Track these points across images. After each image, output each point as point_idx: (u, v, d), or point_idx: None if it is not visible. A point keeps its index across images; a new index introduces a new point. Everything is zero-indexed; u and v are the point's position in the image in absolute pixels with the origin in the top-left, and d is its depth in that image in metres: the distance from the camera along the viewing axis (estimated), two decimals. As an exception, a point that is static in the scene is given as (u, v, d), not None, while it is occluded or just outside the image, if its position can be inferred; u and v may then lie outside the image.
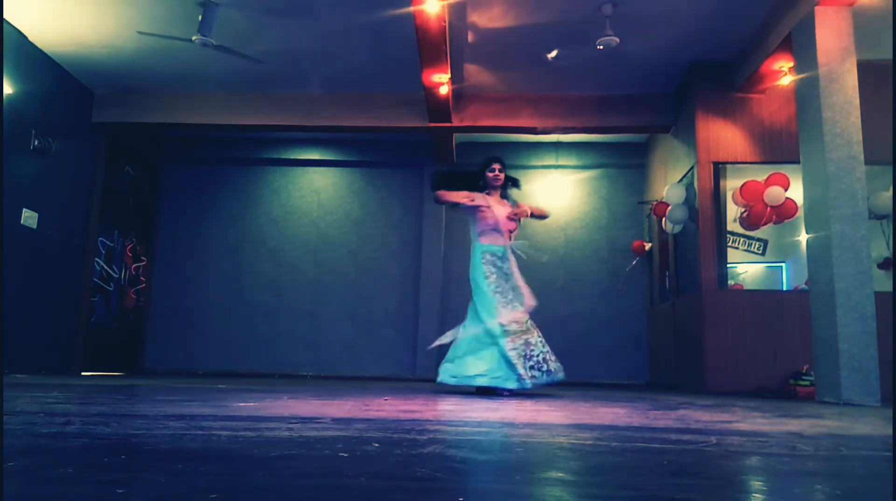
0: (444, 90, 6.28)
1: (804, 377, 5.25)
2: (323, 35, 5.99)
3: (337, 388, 4.69)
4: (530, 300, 4.36)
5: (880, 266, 6.05)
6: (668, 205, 6.55)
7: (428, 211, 8.36)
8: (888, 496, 1.09)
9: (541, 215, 4.86)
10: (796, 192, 5.35)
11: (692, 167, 6.32)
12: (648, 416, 2.60)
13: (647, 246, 7.90)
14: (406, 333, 8.20)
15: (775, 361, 5.64)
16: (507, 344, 4.13)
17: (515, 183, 4.71)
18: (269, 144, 8.60)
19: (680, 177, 6.71)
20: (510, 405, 3.09)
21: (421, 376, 7.90)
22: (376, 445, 1.50)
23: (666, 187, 6.74)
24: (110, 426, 1.75)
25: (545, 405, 3.23)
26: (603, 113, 7.11)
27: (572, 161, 8.44)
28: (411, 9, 5.05)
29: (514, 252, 4.48)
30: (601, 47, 5.45)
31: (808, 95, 4.80)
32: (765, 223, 6.03)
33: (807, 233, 4.81)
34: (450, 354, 4.39)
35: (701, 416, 2.67)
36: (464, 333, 4.37)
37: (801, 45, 4.88)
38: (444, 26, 5.29)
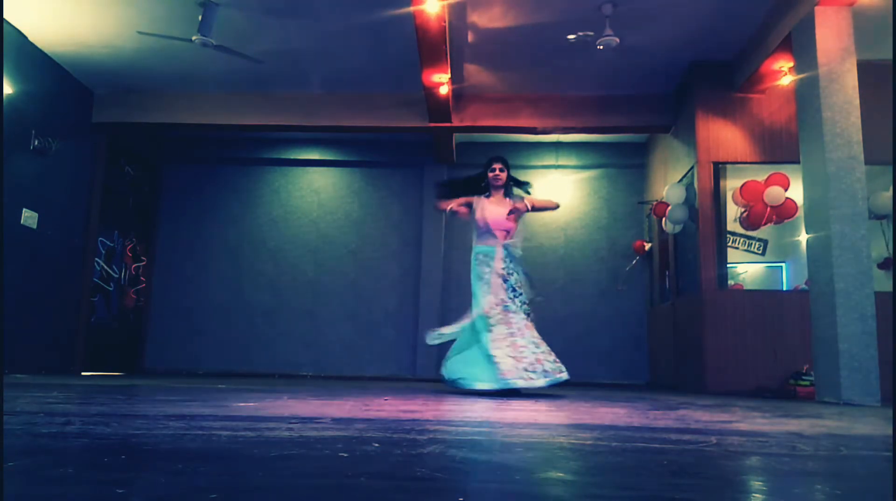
0: (444, 90, 6.28)
1: (804, 377, 5.25)
2: (323, 35, 5.99)
3: (337, 388, 4.69)
4: (527, 293, 4.35)
5: (880, 266, 6.05)
6: (668, 205, 6.56)
7: (428, 211, 8.36)
8: (888, 496, 1.09)
9: (545, 207, 4.79)
10: (796, 192, 5.36)
11: (692, 167, 6.32)
12: (648, 416, 2.60)
13: (647, 246, 7.91)
14: (406, 333, 8.20)
15: (775, 361, 5.64)
16: (490, 342, 4.11)
17: (520, 184, 4.68)
18: (269, 144, 8.60)
19: (680, 177, 6.71)
20: (510, 406, 3.09)
21: (421, 376, 7.90)
22: (376, 445, 1.50)
23: (666, 187, 6.74)
24: (110, 426, 1.75)
25: (545, 405, 3.23)
26: (603, 113, 7.11)
27: (572, 161, 8.44)
28: (411, 9, 5.05)
29: (509, 251, 4.44)
30: (601, 47, 5.45)
31: (808, 95, 4.80)
32: (765, 223, 6.03)
33: (807, 233, 4.81)
34: (449, 351, 4.46)
35: (701, 416, 2.67)
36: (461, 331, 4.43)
37: (801, 46, 4.88)
38: (444, 26, 5.29)
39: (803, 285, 6.16)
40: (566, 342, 7.44)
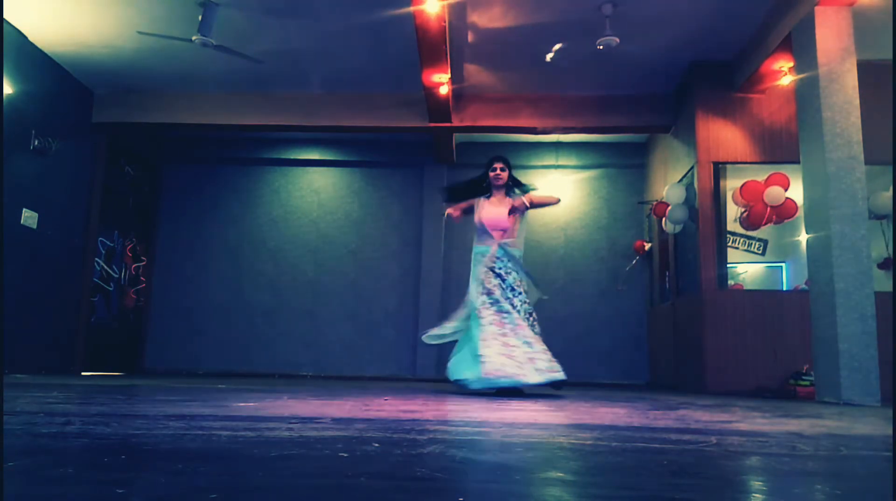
0: (444, 90, 6.28)
1: (804, 377, 5.25)
2: (323, 35, 5.99)
3: (337, 388, 4.69)
4: (527, 298, 4.32)
5: (880, 266, 6.05)
6: (668, 205, 6.56)
7: (428, 211, 8.36)
8: (888, 496, 1.09)
9: (546, 202, 4.76)
10: (796, 192, 5.36)
11: (692, 167, 6.32)
12: (648, 416, 2.60)
13: (647, 246, 7.91)
14: (406, 333, 8.20)
15: (775, 361, 5.64)
16: (479, 341, 4.10)
17: (520, 186, 4.65)
18: (269, 144, 8.60)
19: (680, 177, 6.71)
20: (510, 406, 3.09)
21: (421, 376, 7.90)
22: (376, 445, 1.50)
23: (666, 187, 6.74)
24: (110, 426, 1.75)
25: (545, 405, 3.23)
26: (603, 113, 7.11)
27: (572, 161, 8.44)
28: (411, 9, 5.05)
29: (506, 250, 4.41)
30: (601, 47, 5.45)
31: (808, 95, 4.80)
32: (765, 223, 6.03)
33: (807, 233, 4.81)
34: (452, 352, 4.49)
35: (701, 416, 2.67)
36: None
37: (801, 45, 4.88)
38: (444, 26, 5.29)
39: (803, 285, 6.16)
40: (566, 342, 7.44)
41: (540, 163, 8.37)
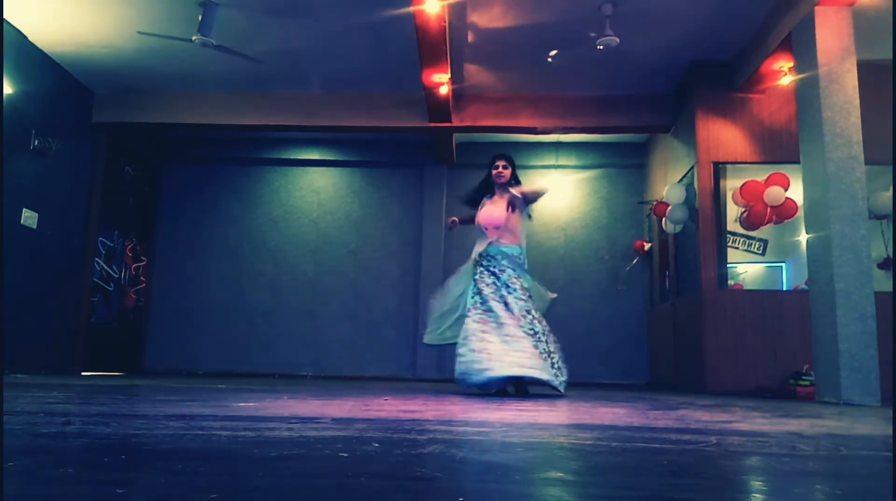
0: (444, 90, 6.28)
1: (804, 377, 5.25)
2: (323, 35, 5.99)
3: (337, 388, 4.69)
4: (524, 295, 4.22)
5: (880, 266, 6.05)
6: (668, 205, 6.56)
7: (428, 211, 8.37)
8: (888, 496, 1.09)
9: (536, 193, 4.57)
10: (796, 192, 5.36)
11: (692, 167, 6.32)
12: (648, 416, 2.60)
13: (647, 246, 7.91)
14: (406, 333, 8.20)
15: (775, 361, 5.64)
16: (461, 338, 4.11)
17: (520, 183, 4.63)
18: (269, 144, 8.60)
19: (680, 177, 6.71)
20: (510, 406, 3.09)
21: (421, 376, 7.90)
22: (376, 445, 1.50)
23: (666, 187, 6.74)
24: (110, 426, 1.75)
25: (545, 405, 3.23)
26: (603, 113, 7.11)
27: (572, 161, 8.44)
28: (411, 9, 5.05)
29: (500, 249, 4.33)
30: (601, 47, 5.45)
31: (808, 95, 4.80)
32: (765, 223, 6.03)
33: (807, 233, 4.81)
34: None
35: (701, 416, 2.67)
36: None
37: (801, 45, 4.88)
38: (444, 26, 5.29)
39: (803, 285, 6.16)
40: (566, 342, 7.35)
41: (540, 163, 8.37)
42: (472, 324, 4.12)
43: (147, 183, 8.56)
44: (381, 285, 8.39)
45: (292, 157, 8.63)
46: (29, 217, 6.28)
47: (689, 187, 6.42)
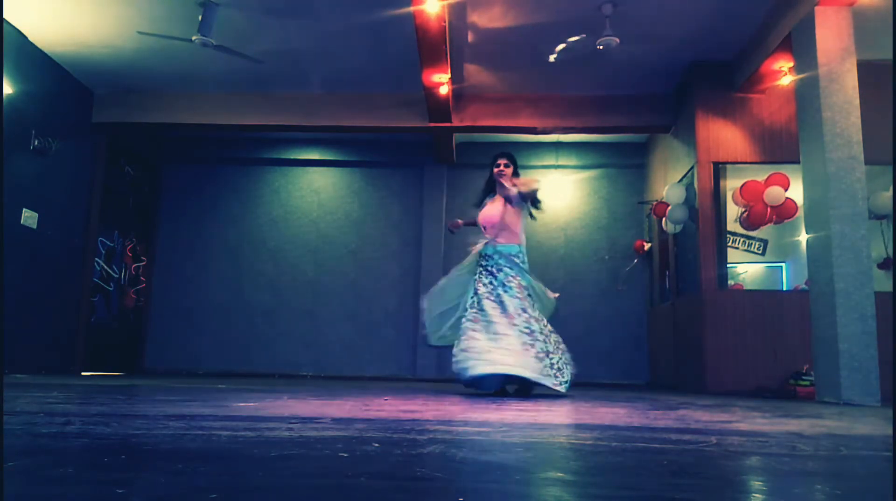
0: (444, 90, 6.28)
1: (804, 377, 5.25)
2: (323, 35, 5.99)
3: (337, 388, 4.69)
4: (520, 294, 4.17)
5: (880, 266, 6.05)
6: (668, 205, 6.56)
7: (428, 211, 8.37)
8: (888, 496, 1.09)
9: (530, 188, 4.40)
10: (796, 192, 5.36)
11: (692, 167, 6.32)
12: (648, 416, 2.60)
13: (647, 246, 7.91)
14: (406, 333, 8.20)
15: (775, 361, 5.64)
16: (457, 339, 4.17)
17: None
18: (269, 144, 8.60)
19: (680, 177, 6.71)
20: (510, 406, 3.09)
21: (421, 376, 7.90)
22: (376, 445, 1.50)
23: (666, 187, 6.74)
24: (110, 426, 1.75)
25: (545, 405, 3.23)
26: (603, 113, 7.11)
27: (572, 161, 8.44)
28: (411, 9, 5.05)
29: (497, 248, 4.31)
30: (601, 47, 5.45)
31: (808, 95, 4.80)
32: (765, 223, 6.03)
33: (807, 233, 4.81)
34: None
35: (701, 416, 2.67)
36: None
37: (801, 45, 4.88)
38: (444, 26, 5.29)
39: (803, 285, 6.16)
40: (566, 342, 7.40)
41: (540, 163, 8.37)
42: (466, 323, 4.16)
43: (147, 183, 8.56)
44: (381, 285, 8.39)
45: (292, 157, 8.63)
46: (29, 217, 6.28)
47: (689, 187, 6.42)
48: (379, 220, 8.57)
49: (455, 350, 4.14)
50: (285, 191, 8.67)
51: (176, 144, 8.67)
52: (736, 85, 6.15)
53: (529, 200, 4.43)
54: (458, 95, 6.97)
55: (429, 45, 5.54)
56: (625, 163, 8.39)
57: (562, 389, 4.03)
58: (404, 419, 2.19)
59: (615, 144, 8.35)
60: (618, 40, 5.38)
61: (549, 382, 3.95)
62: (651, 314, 7.91)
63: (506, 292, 4.17)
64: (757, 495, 1.10)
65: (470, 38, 5.96)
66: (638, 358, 7.98)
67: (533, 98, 7.12)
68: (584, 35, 5.56)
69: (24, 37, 6.09)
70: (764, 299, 5.95)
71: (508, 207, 4.34)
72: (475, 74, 6.68)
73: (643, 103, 7.06)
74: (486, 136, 7.93)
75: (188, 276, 8.47)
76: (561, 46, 5.74)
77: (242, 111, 7.27)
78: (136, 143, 8.22)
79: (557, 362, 4.06)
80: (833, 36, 4.66)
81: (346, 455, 1.33)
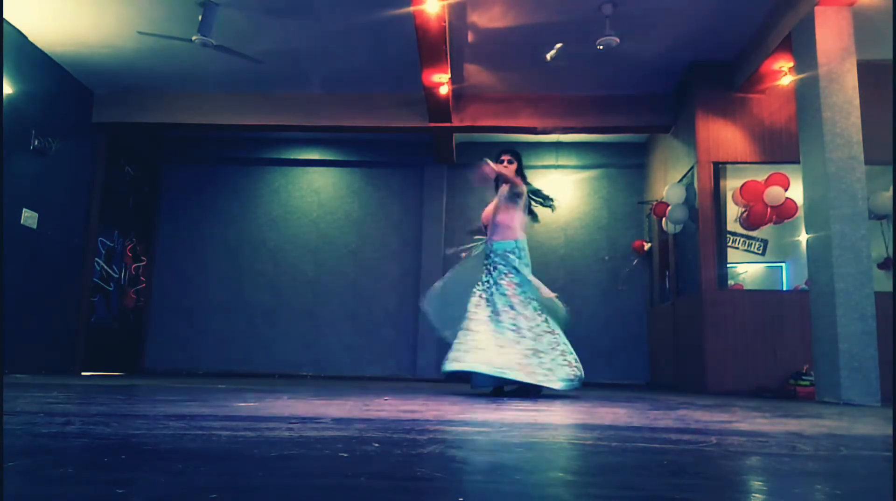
0: (444, 90, 6.28)
1: (804, 377, 5.25)
2: (323, 35, 5.99)
3: (337, 388, 4.69)
4: (510, 291, 4.14)
5: (880, 266, 6.05)
6: (668, 205, 6.56)
7: (428, 211, 8.37)
8: (888, 496, 1.09)
9: (506, 178, 4.30)
10: (796, 192, 5.36)
11: (692, 167, 6.32)
12: (648, 416, 2.60)
13: (647, 246, 7.91)
14: (406, 333, 8.20)
15: (775, 361, 5.64)
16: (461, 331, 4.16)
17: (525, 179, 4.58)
18: (269, 144, 8.60)
19: (680, 177, 6.71)
20: (510, 406, 3.09)
21: (421, 376, 7.90)
22: (376, 445, 1.50)
23: (666, 187, 6.74)
24: (110, 426, 1.75)
25: (545, 405, 3.24)
26: (603, 113, 7.11)
27: (572, 161, 8.44)
28: (411, 9, 5.05)
29: (495, 247, 4.29)
30: (601, 47, 5.45)
31: (808, 95, 4.80)
32: (765, 223, 6.03)
33: (807, 233, 4.81)
34: None
35: (701, 416, 2.67)
36: None
37: (801, 45, 4.88)
38: (444, 26, 5.29)
39: (803, 285, 6.16)
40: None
41: (540, 163, 8.37)
42: (466, 322, 4.17)
43: (147, 183, 8.56)
44: (381, 285, 8.39)
45: (292, 157, 8.63)
46: (29, 217, 6.28)
47: (689, 187, 6.42)
48: (379, 220, 8.57)
49: (454, 345, 4.15)
50: (285, 191, 8.67)
51: (176, 144, 8.67)
52: (736, 85, 6.15)
53: (518, 196, 4.35)
54: (458, 95, 6.97)
55: (429, 45, 5.54)
56: (625, 163, 8.39)
57: (558, 387, 3.94)
58: (404, 419, 2.19)
59: (615, 144, 8.35)
60: (618, 40, 5.38)
61: (532, 379, 3.87)
62: (651, 314, 7.91)
63: (497, 289, 4.18)
64: (757, 495, 1.10)
65: (470, 38, 5.96)
66: (638, 358, 7.97)
67: (533, 98, 7.12)
68: (563, 43, 5.61)
69: (24, 37, 6.09)
70: (764, 299, 5.95)
71: (501, 203, 4.35)
72: (475, 74, 6.68)
73: (643, 103, 7.06)
74: (486, 136, 7.93)
75: (188, 276, 8.47)
76: (558, 46, 5.73)
77: (242, 111, 7.28)
78: (136, 143, 8.22)
79: (550, 362, 3.98)
80: (833, 36, 4.66)
81: (346, 455, 1.33)
